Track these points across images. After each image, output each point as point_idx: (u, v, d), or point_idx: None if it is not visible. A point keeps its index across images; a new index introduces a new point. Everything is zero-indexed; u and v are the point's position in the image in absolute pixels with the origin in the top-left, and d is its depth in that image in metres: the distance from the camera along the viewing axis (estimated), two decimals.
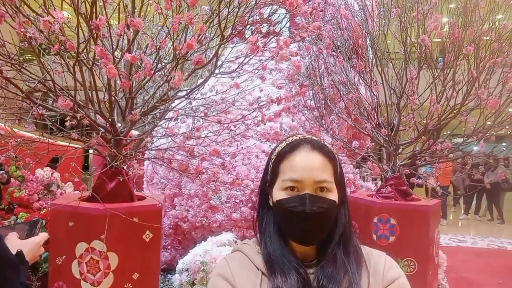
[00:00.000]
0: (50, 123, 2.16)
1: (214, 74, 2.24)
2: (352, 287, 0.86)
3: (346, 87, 3.29)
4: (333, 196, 0.91)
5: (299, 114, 3.62)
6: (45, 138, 2.17)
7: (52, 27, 1.32)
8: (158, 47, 1.80)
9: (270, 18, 2.65)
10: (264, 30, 3.01)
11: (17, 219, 3.18)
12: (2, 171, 4.04)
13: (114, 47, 2.08)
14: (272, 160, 0.96)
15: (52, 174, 7.46)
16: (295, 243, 0.93)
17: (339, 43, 3.34)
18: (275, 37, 1.98)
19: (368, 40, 3.15)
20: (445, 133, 3.27)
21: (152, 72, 1.77)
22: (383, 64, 3.01)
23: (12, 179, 5.30)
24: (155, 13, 1.85)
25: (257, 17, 2.26)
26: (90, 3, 1.83)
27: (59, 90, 2.14)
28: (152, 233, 2.41)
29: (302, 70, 3.20)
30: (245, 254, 0.96)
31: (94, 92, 2.26)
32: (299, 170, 0.90)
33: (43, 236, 1.25)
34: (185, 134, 2.13)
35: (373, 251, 0.99)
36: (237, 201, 3.32)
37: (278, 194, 0.92)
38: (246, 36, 3.40)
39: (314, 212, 0.87)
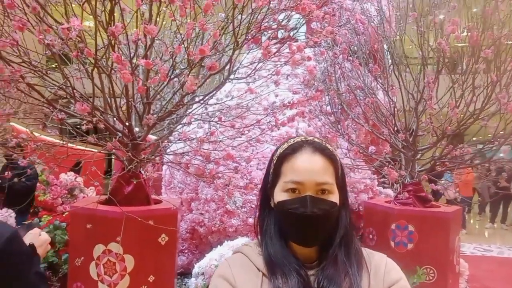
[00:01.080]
0: (70, 128, 2.23)
1: (229, 80, 2.27)
2: None
3: (363, 92, 3.27)
4: (335, 198, 0.91)
5: (315, 119, 3.61)
6: (64, 143, 2.24)
7: (70, 34, 1.38)
8: (172, 53, 1.84)
9: (286, 24, 2.68)
10: (280, 35, 3.04)
11: (40, 222, 3.27)
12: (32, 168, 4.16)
13: (132, 53, 2.15)
14: (274, 162, 0.96)
15: (75, 178, 7.66)
16: (296, 244, 0.92)
17: (355, 48, 3.32)
18: (288, 43, 1.99)
19: (385, 44, 3.12)
20: (468, 138, 3.20)
21: (167, 77, 1.81)
22: (400, 68, 2.98)
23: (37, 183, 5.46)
24: (171, 20, 1.89)
25: (272, 23, 2.28)
26: (108, 11, 1.90)
27: (79, 96, 2.21)
28: (168, 236, 2.44)
29: (317, 75, 3.19)
30: (246, 256, 0.96)
31: (112, 98, 2.32)
32: (301, 172, 0.90)
33: (47, 236, 1.32)
34: (199, 139, 2.15)
35: (374, 253, 0.98)
36: (253, 206, 3.32)
37: (279, 195, 0.92)
38: (262, 42, 3.43)
39: (315, 214, 0.87)
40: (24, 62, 2.04)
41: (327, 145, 0.96)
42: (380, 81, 3.21)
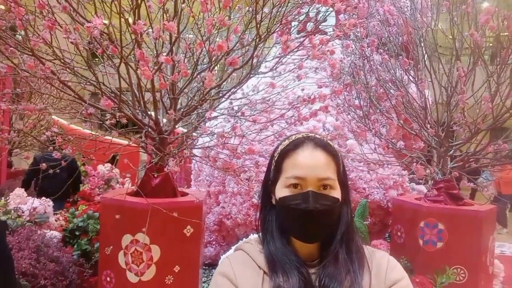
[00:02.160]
0: (100, 122, 2.32)
1: (252, 75, 2.27)
2: (354, 287, 0.85)
3: (395, 85, 3.17)
4: (336, 193, 0.91)
5: (344, 114, 3.55)
6: (99, 135, 2.34)
7: (93, 32, 1.43)
8: (193, 49, 1.87)
9: (313, 16, 2.64)
10: (309, 28, 3.00)
11: (75, 211, 3.44)
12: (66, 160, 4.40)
13: (158, 50, 2.20)
14: (275, 158, 0.97)
15: (112, 170, 7.98)
16: (298, 240, 0.92)
17: (386, 40, 3.22)
18: (309, 36, 1.96)
19: (417, 36, 3.01)
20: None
21: (189, 73, 1.84)
22: (432, 61, 2.86)
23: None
24: (190, 16, 1.91)
25: (297, 16, 2.26)
26: (133, 8, 1.95)
27: (110, 92, 2.30)
28: (193, 228, 2.50)
29: (345, 68, 3.13)
30: (247, 253, 0.97)
31: (140, 93, 2.39)
32: (303, 167, 0.90)
33: None
34: (219, 134, 2.18)
35: (376, 251, 0.97)
36: None
37: (281, 191, 0.92)
38: (292, 36, 3.40)
39: (317, 209, 0.87)
40: (58, 59, 2.15)
41: (328, 141, 0.95)
42: (412, 74, 3.10)
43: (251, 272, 0.92)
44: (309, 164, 0.90)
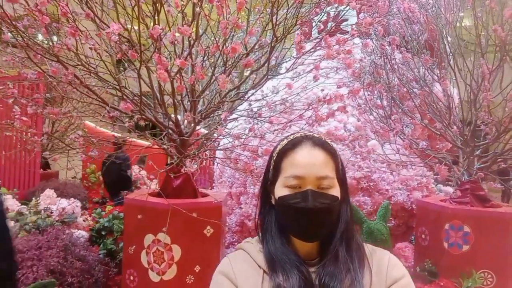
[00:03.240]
0: (123, 124, 2.39)
1: (270, 76, 2.28)
2: (354, 285, 0.84)
3: (418, 84, 3.10)
4: (335, 192, 0.90)
5: (366, 114, 3.50)
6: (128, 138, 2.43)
7: (112, 37, 1.49)
8: (208, 53, 1.90)
9: (333, 16, 2.63)
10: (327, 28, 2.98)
11: (101, 212, 3.55)
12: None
13: (178, 53, 2.25)
14: (274, 158, 0.96)
15: (139, 171, 8.17)
16: (298, 239, 0.92)
17: (408, 38, 3.16)
18: (325, 36, 1.95)
19: (440, 33, 2.93)
20: None
21: (205, 76, 1.87)
22: (456, 58, 2.78)
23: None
24: (209, 19, 1.95)
25: (316, 17, 2.25)
26: (153, 15, 2.01)
27: (134, 96, 2.37)
28: (212, 228, 2.53)
29: (366, 68, 3.09)
30: (247, 253, 0.97)
31: (161, 96, 2.45)
32: (301, 166, 0.89)
33: None
34: (234, 135, 2.20)
35: (377, 250, 0.96)
36: None
37: (280, 191, 0.92)
38: (313, 36, 3.39)
39: (316, 207, 0.86)
40: (82, 65, 2.23)
41: (326, 140, 0.95)
42: (437, 72, 3.02)
43: (251, 271, 0.92)
44: (308, 162, 0.89)
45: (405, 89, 3.20)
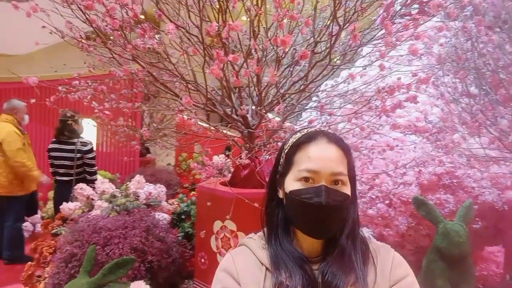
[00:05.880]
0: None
1: (343, 66, 2.23)
2: (358, 283, 0.81)
3: None
4: (347, 190, 0.87)
5: (452, 104, 3.18)
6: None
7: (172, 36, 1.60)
8: (264, 48, 1.92)
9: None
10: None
11: (184, 197, 3.84)
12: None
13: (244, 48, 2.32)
14: (285, 151, 0.94)
15: (225, 161, 8.56)
16: (306, 235, 0.90)
17: (506, 17, 2.78)
18: (385, 22, 1.83)
19: None
20: None
21: (263, 70, 1.90)
22: None
23: (196, 164, 6.42)
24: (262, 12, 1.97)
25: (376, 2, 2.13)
26: (217, 11, 2.10)
27: (204, 89, 2.52)
28: None
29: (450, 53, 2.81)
30: (250, 249, 0.96)
31: (229, 90, 2.56)
32: (316, 160, 0.87)
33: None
34: (290, 127, 2.19)
35: (380, 247, 0.92)
36: (373, 196, 3.17)
37: (291, 184, 0.90)
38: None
39: (329, 204, 0.84)
40: (160, 62, 2.44)
41: (340, 136, 0.92)
42: None
43: (254, 268, 0.91)
44: (323, 157, 0.87)
45: (495, 77, 2.84)
